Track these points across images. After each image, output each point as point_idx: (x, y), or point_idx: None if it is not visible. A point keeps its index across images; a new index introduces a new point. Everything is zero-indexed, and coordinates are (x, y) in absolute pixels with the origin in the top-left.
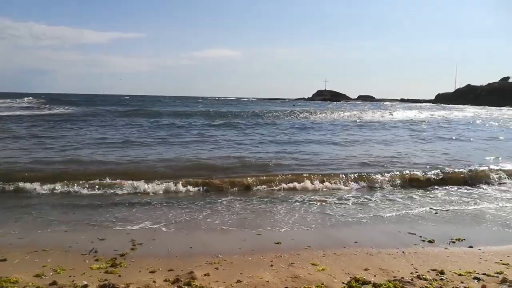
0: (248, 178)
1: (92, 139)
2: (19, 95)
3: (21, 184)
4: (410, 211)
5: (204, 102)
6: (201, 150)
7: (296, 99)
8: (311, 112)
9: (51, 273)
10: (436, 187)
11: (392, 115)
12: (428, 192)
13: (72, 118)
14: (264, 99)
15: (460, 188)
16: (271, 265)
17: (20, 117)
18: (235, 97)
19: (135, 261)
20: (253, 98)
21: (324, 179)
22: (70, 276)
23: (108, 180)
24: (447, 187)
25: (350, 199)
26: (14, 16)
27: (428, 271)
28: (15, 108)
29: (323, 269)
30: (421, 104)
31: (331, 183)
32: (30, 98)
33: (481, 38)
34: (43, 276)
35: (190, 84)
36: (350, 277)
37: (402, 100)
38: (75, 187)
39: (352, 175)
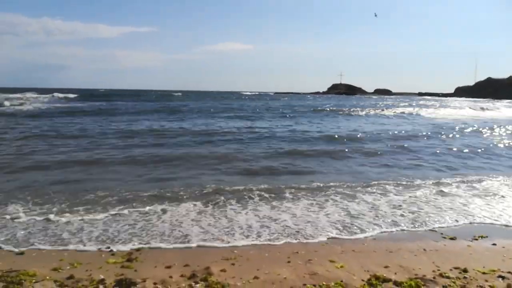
0: None
1: None
2: (27, 90)
3: None
4: None
5: (241, 97)
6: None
7: (311, 93)
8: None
9: (68, 267)
10: None
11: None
12: None
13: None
14: (277, 93)
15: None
16: (288, 262)
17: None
18: (248, 91)
19: (150, 256)
20: (268, 92)
21: None
22: (86, 270)
23: None
24: None
25: None
26: (28, 12)
27: (451, 269)
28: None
29: (341, 266)
30: (455, 98)
31: None
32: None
33: (501, 31)
34: (60, 270)
35: (202, 78)
36: (370, 275)
37: (420, 94)
38: None
39: None
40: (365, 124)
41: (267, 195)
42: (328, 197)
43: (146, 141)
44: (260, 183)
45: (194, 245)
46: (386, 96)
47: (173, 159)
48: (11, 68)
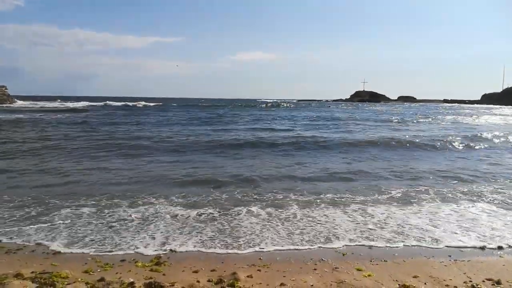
0: None
1: None
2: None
3: None
4: None
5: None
6: None
7: (334, 100)
8: None
9: (99, 270)
10: None
11: None
12: None
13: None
14: (299, 100)
15: None
16: (315, 269)
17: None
18: (271, 99)
19: (178, 260)
20: (289, 99)
21: None
22: (116, 273)
23: None
24: None
25: None
26: (59, 23)
27: (483, 281)
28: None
29: (369, 275)
30: (490, 106)
31: None
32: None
33: None
34: (91, 273)
35: (226, 87)
36: (399, 284)
37: (446, 101)
38: None
39: None
40: None
41: None
42: None
43: None
44: None
45: (220, 251)
46: (411, 103)
47: None
48: (47, 77)
